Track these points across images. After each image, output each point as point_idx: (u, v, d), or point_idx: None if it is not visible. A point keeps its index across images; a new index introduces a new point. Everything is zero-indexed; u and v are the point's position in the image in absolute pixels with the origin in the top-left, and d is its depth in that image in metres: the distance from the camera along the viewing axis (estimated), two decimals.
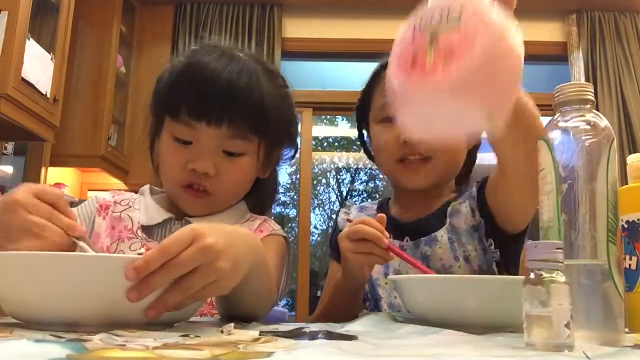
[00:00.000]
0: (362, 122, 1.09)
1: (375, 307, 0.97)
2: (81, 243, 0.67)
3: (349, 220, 1.03)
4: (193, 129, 0.88)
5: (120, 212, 0.95)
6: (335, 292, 0.93)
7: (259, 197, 1.04)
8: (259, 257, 0.67)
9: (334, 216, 8.29)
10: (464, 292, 0.64)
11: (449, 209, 0.99)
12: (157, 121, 0.95)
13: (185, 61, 0.91)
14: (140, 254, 0.86)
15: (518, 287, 0.60)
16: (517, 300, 0.59)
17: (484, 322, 0.62)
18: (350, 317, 0.87)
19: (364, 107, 1.06)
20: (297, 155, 1.05)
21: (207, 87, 0.86)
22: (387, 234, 0.81)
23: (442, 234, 0.96)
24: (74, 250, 0.68)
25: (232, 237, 0.59)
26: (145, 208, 0.95)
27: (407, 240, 0.99)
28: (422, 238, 0.97)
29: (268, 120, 0.90)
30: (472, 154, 1.07)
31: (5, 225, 0.64)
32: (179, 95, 0.88)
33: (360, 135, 1.10)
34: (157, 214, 0.94)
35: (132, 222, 0.93)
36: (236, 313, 0.73)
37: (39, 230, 0.63)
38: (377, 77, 1.02)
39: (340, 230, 1.01)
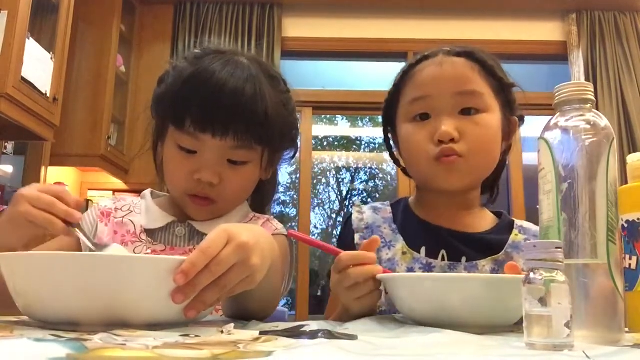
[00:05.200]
0: (388, 124, 1.04)
1: None
2: (78, 232, 0.72)
3: (362, 221, 0.99)
4: (197, 139, 0.88)
5: (122, 217, 0.96)
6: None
7: (260, 196, 1.05)
8: (275, 255, 0.70)
9: (334, 216, 8.29)
10: (453, 292, 0.63)
11: (510, 240, 0.95)
12: (161, 126, 0.95)
13: (190, 69, 0.90)
14: (147, 254, 0.88)
15: (508, 287, 0.61)
16: (510, 299, 0.59)
17: (475, 322, 0.61)
18: None
19: (391, 107, 1.01)
20: (297, 155, 1.04)
21: (212, 100, 0.86)
22: (373, 257, 0.74)
23: (484, 264, 0.92)
24: (70, 237, 0.80)
25: (257, 235, 0.62)
26: (146, 211, 0.96)
27: (443, 258, 0.93)
28: (464, 263, 0.92)
29: (272, 130, 0.90)
30: (501, 160, 1.01)
31: (11, 216, 0.72)
32: (183, 106, 0.88)
33: (387, 138, 1.06)
34: (159, 218, 0.95)
35: (135, 226, 0.94)
36: (245, 311, 0.74)
37: (35, 220, 0.69)
38: (405, 75, 0.98)
39: (354, 231, 0.99)
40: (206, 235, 0.91)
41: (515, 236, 0.96)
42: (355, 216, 1.01)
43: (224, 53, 0.93)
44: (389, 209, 1.03)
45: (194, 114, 0.86)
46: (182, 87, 0.89)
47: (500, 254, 0.93)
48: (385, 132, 1.06)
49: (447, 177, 0.92)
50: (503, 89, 0.96)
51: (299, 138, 1.04)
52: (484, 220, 1.00)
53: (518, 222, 1.01)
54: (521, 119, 1.02)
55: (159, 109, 0.95)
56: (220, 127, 0.86)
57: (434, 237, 0.95)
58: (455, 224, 0.97)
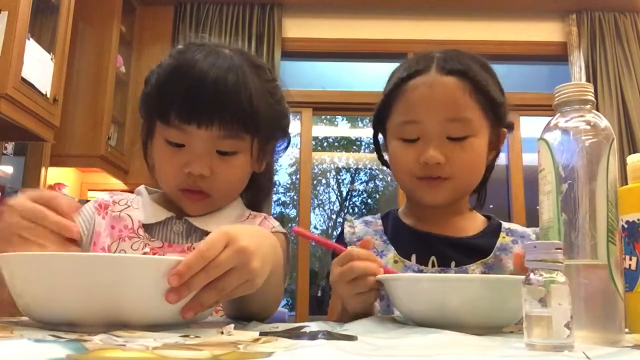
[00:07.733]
0: (378, 127, 1.04)
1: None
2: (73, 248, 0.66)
3: (354, 234, 1.00)
4: (184, 132, 0.87)
5: (120, 211, 0.94)
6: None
7: (254, 192, 1.04)
8: (278, 257, 0.70)
9: (333, 216, 8.30)
10: (452, 292, 0.62)
11: (498, 243, 0.96)
12: (148, 124, 0.95)
13: (173, 63, 0.90)
14: (145, 253, 0.88)
15: (508, 287, 0.60)
16: (509, 300, 0.59)
17: (474, 323, 0.61)
18: None
19: (382, 115, 1.01)
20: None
21: (194, 91, 0.86)
22: (380, 261, 0.76)
23: (473, 268, 0.93)
24: (71, 249, 0.66)
25: (259, 238, 0.61)
26: (144, 207, 0.96)
27: (433, 264, 0.94)
28: (454, 268, 0.93)
29: (258, 118, 0.89)
30: (489, 165, 1.02)
31: (1, 231, 0.63)
32: (167, 99, 0.88)
33: (376, 141, 1.06)
34: (157, 213, 0.94)
35: (132, 221, 0.93)
36: (247, 312, 0.74)
37: (27, 233, 0.62)
38: (397, 90, 0.96)
39: (346, 244, 0.99)
40: (204, 231, 0.91)
41: (502, 239, 0.98)
42: (347, 230, 1.03)
43: (207, 45, 0.93)
44: (380, 221, 1.05)
45: (178, 107, 0.86)
46: (165, 81, 0.89)
47: (489, 257, 0.94)
48: (375, 137, 1.06)
49: (432, 195, 0.94)
50: (494, 106, 0.95)
51: (291, 129, 1.03)
52: (473, 224, 1.01)
53: (505, 224, 1.02)
54: (509, 127, 1.02)
55: (145, 107, 0.95)
56: (204, 117, 0.86)
57: (423, 244, 0.96)
58: (444, 229, 0.98)
